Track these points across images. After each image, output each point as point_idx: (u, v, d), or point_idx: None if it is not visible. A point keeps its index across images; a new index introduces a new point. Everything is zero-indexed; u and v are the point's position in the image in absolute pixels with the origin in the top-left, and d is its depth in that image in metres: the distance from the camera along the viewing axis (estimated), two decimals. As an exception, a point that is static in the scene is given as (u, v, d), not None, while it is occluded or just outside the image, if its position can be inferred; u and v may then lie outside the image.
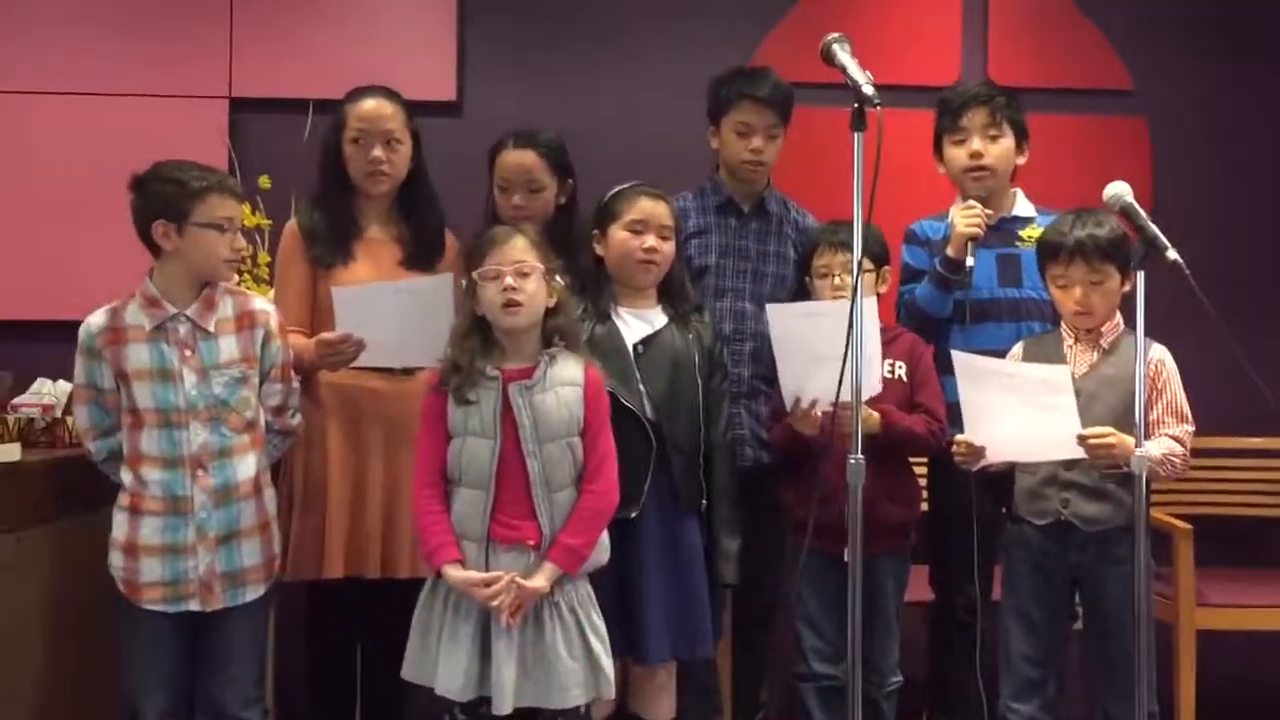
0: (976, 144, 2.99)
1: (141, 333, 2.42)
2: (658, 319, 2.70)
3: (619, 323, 2.65)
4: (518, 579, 2.31)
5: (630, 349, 2.62)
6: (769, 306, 2.73)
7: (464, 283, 2.46)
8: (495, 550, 2.35)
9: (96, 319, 2.45)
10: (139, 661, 2.41)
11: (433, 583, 2.42)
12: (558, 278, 2.46)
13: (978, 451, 2.60)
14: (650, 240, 2.65)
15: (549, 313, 2.44)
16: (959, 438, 2.62)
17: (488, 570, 2.33)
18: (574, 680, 2.34)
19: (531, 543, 2.35)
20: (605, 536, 2.46)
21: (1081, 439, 2.49)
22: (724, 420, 2.75)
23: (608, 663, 2.39)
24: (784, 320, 2.65)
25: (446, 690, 2.33)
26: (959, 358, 2.62)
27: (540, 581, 2.32)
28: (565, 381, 2.41)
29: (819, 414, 2.63)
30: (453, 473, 2.40)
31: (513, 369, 2.40)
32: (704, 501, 2.67)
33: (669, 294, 2.73)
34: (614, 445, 2.46)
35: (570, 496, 2.40)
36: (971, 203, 2.92)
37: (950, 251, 2.89)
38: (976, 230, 2.87)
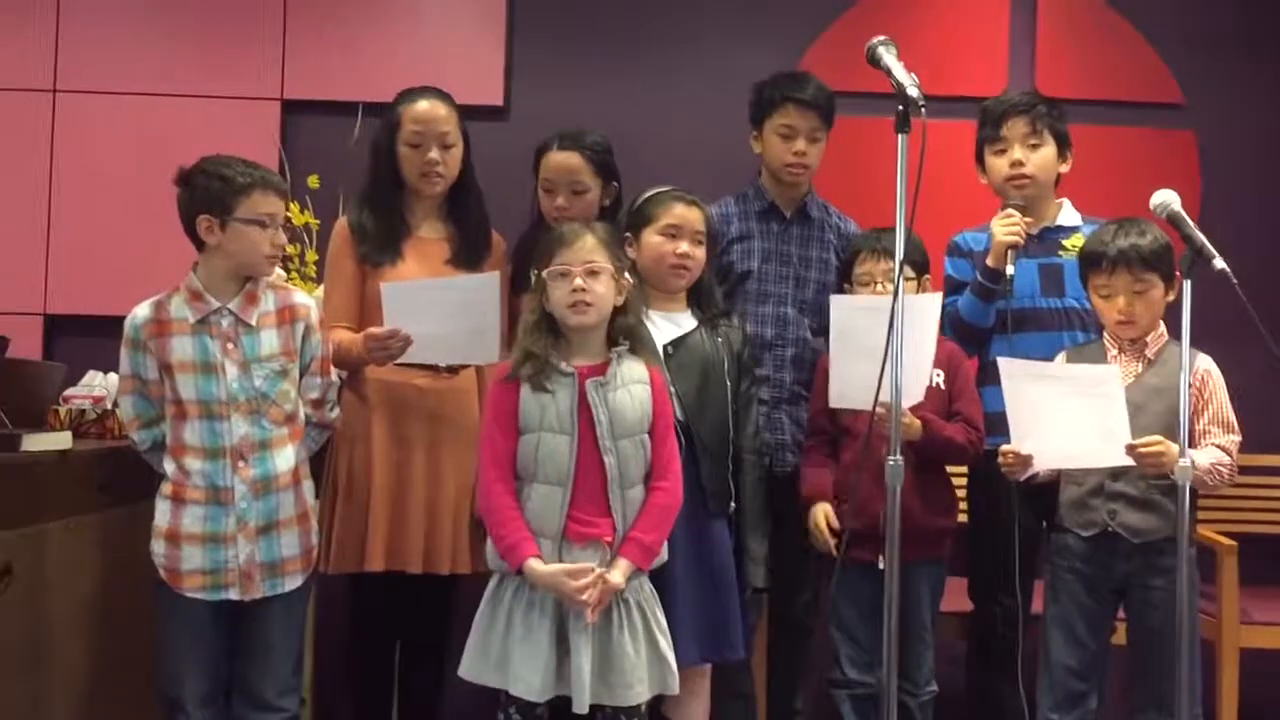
0: (1017, 153, 2.98)
1: (185, 325, 2.46)
2: (687, 322, 2.71)
3: (649, 325, 2.66)
4: (604, 574, 2.31)
5: (660, 350, 2.63)
6: (833, 297, 2.71)
7: (533, 276, 2.46)
8: (570, 548, 2.35)
9: (142, 311, 2.49)
10: (179, 648, 2.44)
11: (499, 581, 2.42)
12: (626, 276, 2.47)
13: (1025, 460, 2.58)
14: (684, 246, 2.67)
15: (616, 311, 2.45)
16: (1005, 447, 2.60)
17: None
18: (638, 677, 2.35)
19: (607, 539, 2.36)
20: None
21: (1131, 448, 2.47)
22: (752, 425, 2.76)
23: (672, 658, 2.40)
24: (846, 313, 2.63)
25: (524, 691, 2.31)
26: (1005, 363, 2.60)
27: (618, 578, 2.33)
28: (635, 380, 2.43)
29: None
30: (525, 469, 2.39)
31: (584, 365, 2.41)
32: (733, 505, 2.68)
33: (698, 299, 2.75)
34: (678, 445, 2.47)
35: (640, 494, 2.42)
36: (1010, 211, 2.91)
37: (990, 261, 2.89)
38: (1016, 239, 2.85)
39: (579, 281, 2.38)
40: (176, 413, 2.46)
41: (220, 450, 2.44)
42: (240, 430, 2.45)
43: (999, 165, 3.01)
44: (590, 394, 2.37)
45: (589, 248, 2.42)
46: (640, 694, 2.35)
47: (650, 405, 2.43)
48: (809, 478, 2.87)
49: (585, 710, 2.30)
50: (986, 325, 2.95)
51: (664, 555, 2.47)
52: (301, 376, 2.58)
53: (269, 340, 2.51)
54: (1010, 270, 2.84)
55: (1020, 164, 2.97)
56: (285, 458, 2.50)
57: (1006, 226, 2.87)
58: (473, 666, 2.39)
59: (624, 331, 2.46)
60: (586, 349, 2.44)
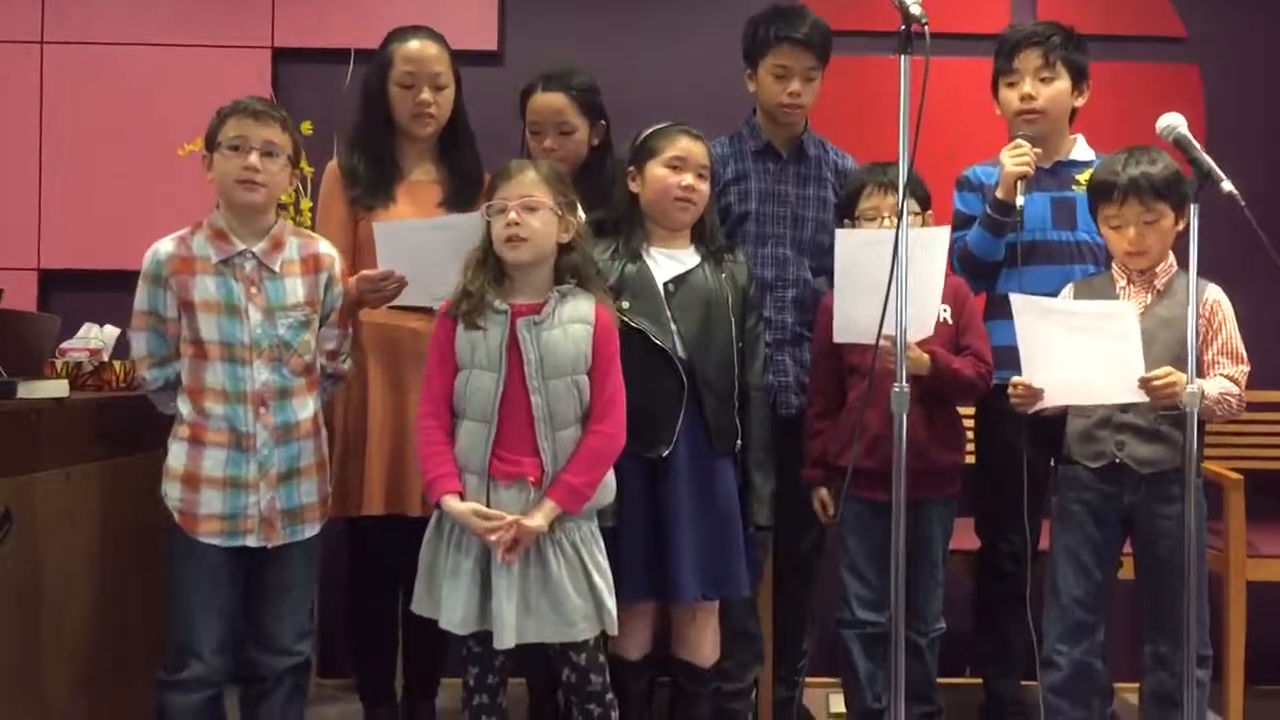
0: (1028, 86, 2.93)
1: (209, 264, 2.43)
2: (690, 259, 2.67)
3: (650, 262, 2.63)
4: (519, 520, 2.30)
5: (661, 288, 2.60)
6: (838, 231, 2.67)
7: (482, 212, 2.45)
8: (495, 485, 2.35)
9: (165, 246, 2.45)
10: (193, 593, 2.41)
11: (438, 517, 2.42)
12: (578, 214, 2.44)
13: (1036, 394, 2.55)
14: (688, 178, 2.63)
15: (563, 249, 2.43)
16: (1015, 380, 2.57)
17: (488, 505, 2.33)
18: (580, 615, 2.35)
19: (531, 479, 2.35)
20: (611, 477, 2.44)
21: (1144, 381, 2.44)
22: (759, 362, 2.73)
23: (610, 600, 2.39)
24: (851, 247, 2.58)
25: (448, 624, 2.35)
26: (1018, 299, 2.56)
27: (539, 520, 2.32)
28: (575, 319, 2.40)
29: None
30: (458, 405, 2.39)
31: (522, 304, 2.39)
32: (739, 444, 2.65)
33: (700, 235, 2.71)
34: (623, 386, 2.44)
35: (574, 435, 2.39)
36: (1019, 141, 2.87)
37: (1000, 193, 2.85)
38: (1026, 169, 2.81)
39: (513, 215, 2.35)
40: (196, 352, 2.42)
41: (243, 394, 2.41)
42: (262, 376, 2.42)
43: (1010, 97, 2.97)
44: (520, 332, 2.36)
45: (528, 182, 2.40)
46: (583, 631, 2.36)
47: (589, 345, 2.40)
48: (807, 450, 2.84)
49: (506, 646, 2.31)
50: (996, 259, 2.92)
51: (608, 496, 2.44)
52: (320, 326, 2.55)
53: (293, 288, 2.47)
54: (1021, 201, 2.80)
55: (1031, 97, 2.93)
56: (305, 407, 2.48)
57: (1016, 157, 2.83)
58: (419, 600, 2.42)
59: (570, 270, 2.43)
60: (529, 287, 2.41)
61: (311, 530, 2.49)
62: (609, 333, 2.43)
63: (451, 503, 2.34)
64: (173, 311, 2.43)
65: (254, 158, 2.41)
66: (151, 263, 2.44)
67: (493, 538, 2.29)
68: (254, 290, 2.44)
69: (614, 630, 2.41)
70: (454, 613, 2.34)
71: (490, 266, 2.41)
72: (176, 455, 2.43)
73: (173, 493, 2.42)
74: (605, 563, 2.42)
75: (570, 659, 2.41)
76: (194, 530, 2.40)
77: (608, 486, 2.44)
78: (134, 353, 2.52)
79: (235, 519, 2.40)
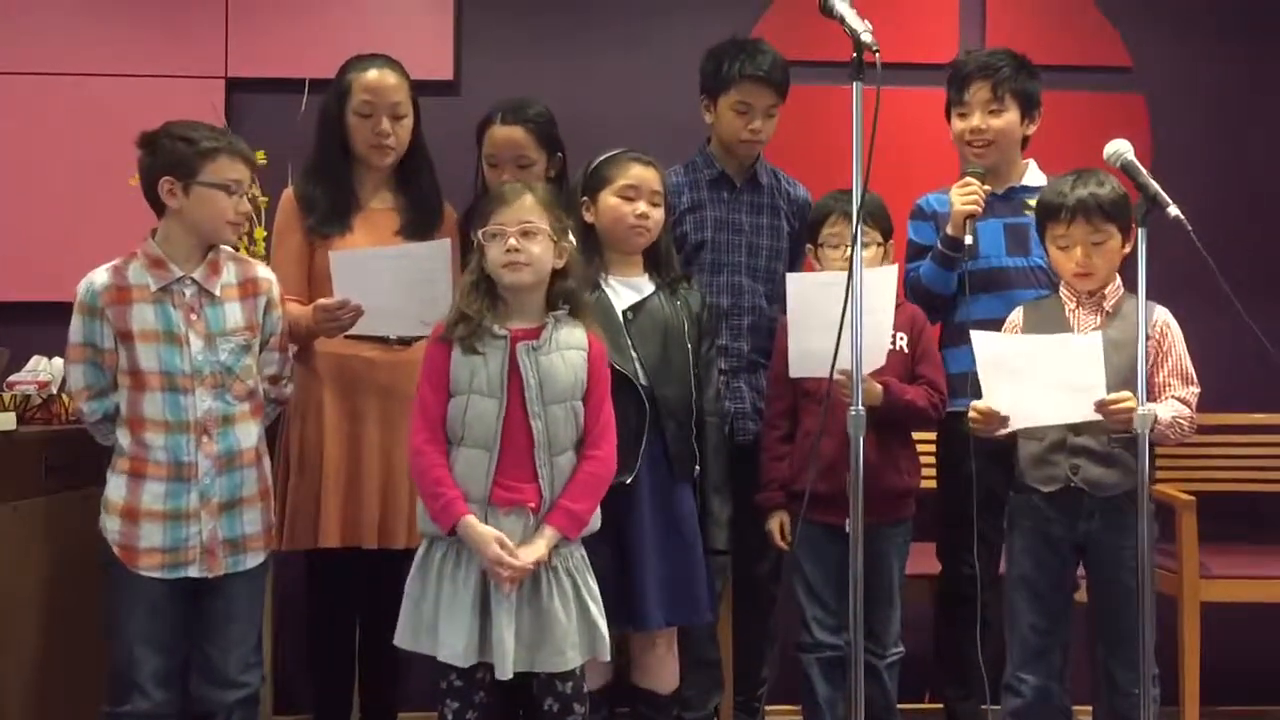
0: (977, 119, 2.98)
1: (146, 293, 2.40)
2: (646, 287, 2.69)
3: (608, 290, 2.64)
4: (525, 556, 2.28)
5: (620, 315, 2.61)
6: (789, 276, 2.70)
7: (475, 237, 2.43)
8: (495, 512, 2.33)
9: (99, 276, 2.42)
10: (132, 627, 2.37)
11: (427, 549, 2.39)
12: (570, 239, 2.44)
13: (995, 418, 2.56)
14: (642, 206, 2.64)
15: (556, 275, 2.42)
16: (975, 404, 2.59)
17: None
18: (570, 643, 2.33)
19: (531, 505, 2.34)
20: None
21: (1102, 404, 2.47)
22: (713, 388, 2.75)
23: (603, 624, 2.38)
24: (802, 289, 2.62)
25: (449, 657, 2.30)
26: (979, 338, 2.58)
27: (542, 549, 2.31)
28: (571, 345, 2.40)
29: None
30: (454, 432, 2.37)
31: (518, 329, 2.38)
32: (697, 469, 2.66)
33: (655, 263, 2.72)
34: (614, 413, 2.44)
35: (570, 460, 2.39)
36: (969, 180, 2.90)
37: (950, 230, 2.89)
38: (975, 208, 2.86)
39: (513, 241, 2.35)
40: (134, 383, 2.39)
41: (184, 424, 2.38)
42: (204, 404, 2.40)
43: (960, 128, 3.02)
44: (521, 357, 2.35)
45: (526, 207, 2.39)
46: (572, 659, 2.34)
47: (585, 372, 2.40)
48: (767, 472, 2.84)
49: (507, 676, 2.28)
50: (949, 292, 2.95)
51: (595, 524, 2.44)
52: (261, 351, 2.53)
53: (233, 313, 2.46)
54: (969, 240, 2.84)
55: (981, 130, 2.97)
56: (248, 434, 2.45)
57: (965, 195, 2.87)
58: (406, 634, 2.37)
59: (563, 295, 2.43)
60: (524, 312, 2.41)
61: (254, 560, 2.46)
62: (602, 359, 2.44)
63: (475, 525, 2.30)
64: (109, 342, 2.40)
65: (246, 203, 2.45)
66: (86, 294, 2.41)
67: (504, 572, 2.26)
68: (194, 316, 2.41)
69: (606, 655, 2.39)
70: (455, 645, 2.29)
71: (485, 290, 2.40)
72: (115, 488, 2.40)
73: (112, 526, 2.39)
74: (596, 588, 2.40)
75: (556, 688, 2.38)
76: (134, 564, 2.37)
77: (595, 513, 2.44)
78: (71, 385, 2.49)
79: (177, 550, 2.37)
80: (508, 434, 2.33)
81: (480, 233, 2.39)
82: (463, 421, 2.35)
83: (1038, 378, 2.50)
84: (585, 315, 2.46)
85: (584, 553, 2.41)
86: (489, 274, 2.40)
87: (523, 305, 2.41)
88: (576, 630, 2.34)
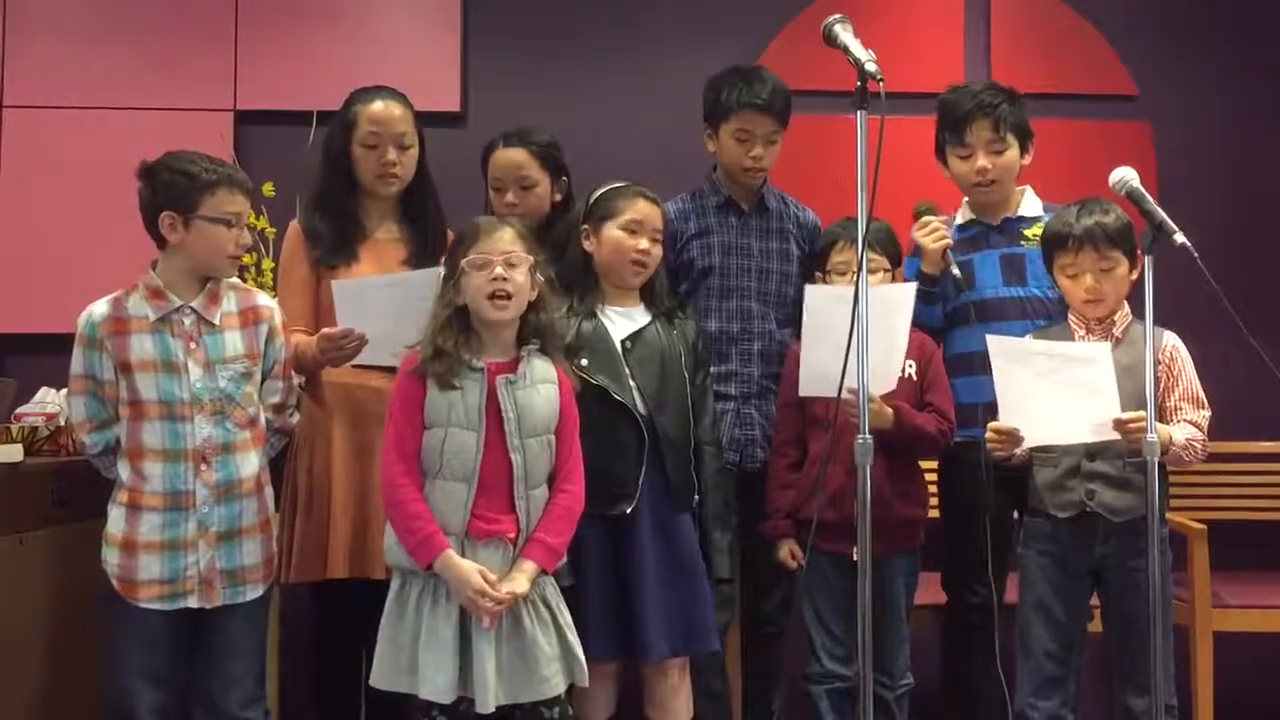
0: (982, 160, 2.95)
1: (145, 323, 2.41)
2: (642, 317, 2.69)
3: (606, 320, 2.64)
4: (512, 590, 2.28)
5: (618, 345, 2.61)
6: (808, 287, 2.69)
7: (442, 271, 2.43)
8: (473, 544, 2.32)
9: (98, 308, 2.43)
10: (132, 660, 2.36)
11: (400, 586, 2.36)
12: (539, 274, 2.44)
13: (1013, 437, 2.55)
14: (644, 243, 2.65)
15: (529, 308, 2.42)
16: (993, 424, 2.58)
17: None
18: (553, 670, 2.33)
19: (511, 536, 2.33)
20: None
21: (1119, 424, 2.46)
22: (709, 417, 2.74)
23: (579, 650, 2.37)
24: (819, 302, 2.60)
25: (431, 693, 2.28)
26: (994, 340, 2.58)
27: (523, 584, 2.30)
28: (545, 379, 2.41)
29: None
30: (431, 464, 2.34)
31: (494, 362, 2.38)
32: (696, 498, 2.65)
33: (650, 294, 2.73)
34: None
35: (544, 494, 2.39)
36: (926, 219, 2.88)
37: (926, 268, 2.88)
38: (945, 241, 2.85)
39: (499, 270, 2.35)
40: (134, 414, 2.39)
41: (182, 453, 2.38)
42: (204, 432, 2.39)
43: (963, 169, 2.99)
44: (500, 391, 2.34)
45: (508, 239, 2.40)
46: (556, 685, 2.33)
47: (558, 405, 2.40)
48: (774, 501, 2.83)
49: (489, 710, 2.26)
50: (934, 324, 2.95)
51: (564, 556, 2.43)
52: (263, 380, 2.53)
53: (233, 341, 2.46)
54: (956, 271, 2.83)
55: (985, 170, 2.95)
56: (249, 462, 2.45)
57: (930, 234, 2.85)
58: (383, 674, 2.33)
59: (535, 330, 2.43)
60: (497, 345, 2.41)
61: (254, 592, 2.45)
62: (570, 394, 2.45)
63: (455, 560, 2.28)
64: (109, 374, 2.41)
65: (246, 235, 2.46)
66: (86, 325, 2.42)
67: (485, 604, 2.25)
68: (193, 345, 2.42)
69: (584, 681, 2.38)
70: (437, 680, 2.27)
71: (456, 324, 2.39)
72: (115, 521, 2.40)
73: (111, 559, 2.39)
74: (569, 617, 2.40)
75: (543, 716, 2.37)
76: (134, 596, 2.36)
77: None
78: (73, 417, 2.49)
79: (175, 582, 2.37)
80: (486, 467, 2.32)
81: (465, 262, 2.38)
82: (440, 454, 2.33)
83: (1049, 390, 2.49)
84: (555, 350, 2.46)
85: (554, 582, 2.40)
86: (462, 306, 2.39)
87: (497, 339, 2.41)
88: (558, 656, 2.34)
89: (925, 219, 2.89)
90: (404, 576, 2.36)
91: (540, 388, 2.39)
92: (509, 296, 2.36)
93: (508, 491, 2.34)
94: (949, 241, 2.86)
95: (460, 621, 2.30)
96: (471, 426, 2.33)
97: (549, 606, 2.36)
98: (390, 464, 2.35)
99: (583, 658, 2.37)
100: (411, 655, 2.31)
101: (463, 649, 2.29)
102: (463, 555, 2.30)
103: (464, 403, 2.34)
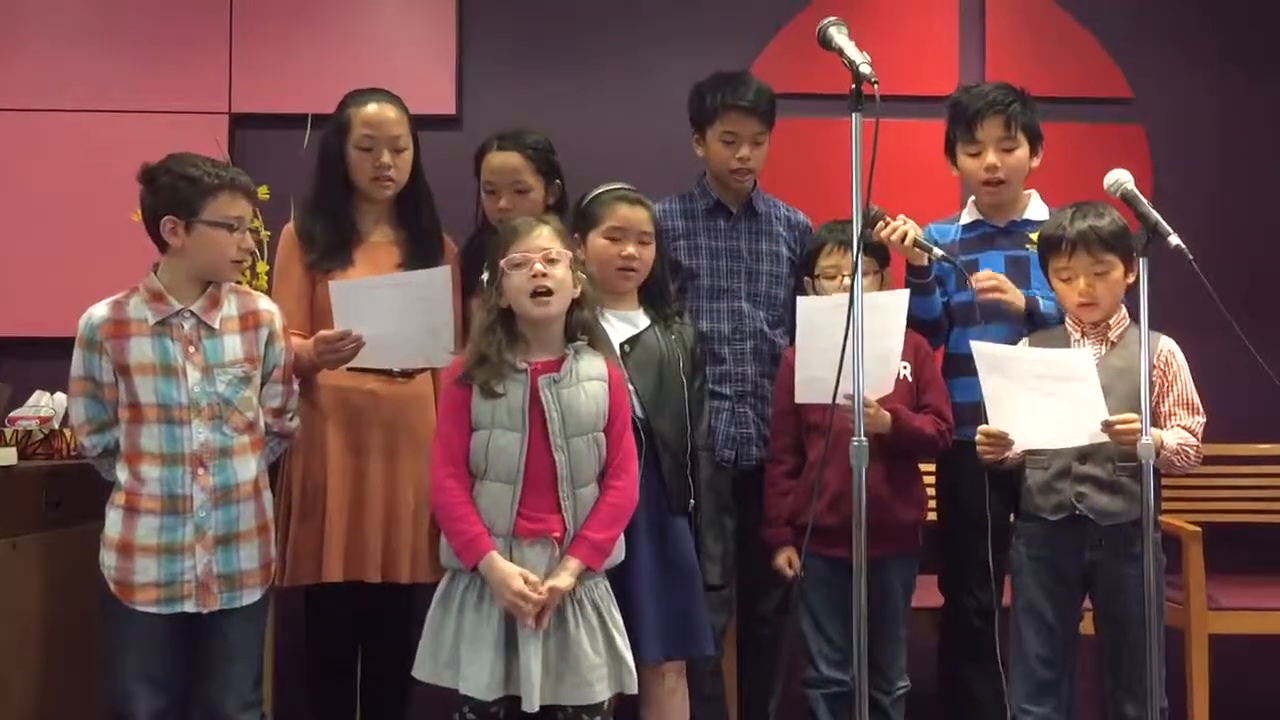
0: (991, 157, 2.94)
1: (145, 326, 2.40)
2: (641, 320, 2.69)
3: (604, 324, 2.62)
4: (553, 585, 2.28)
5: (618, 349, 2.60)
6: (800, 299, 2.69)
7: (484, 275, 2.43)
8: (519, 544, 2.33)
9: (99, 311, 2.43)
10: (130, 663, 2.36)
11: (449, 581, 2.38)
12: (584, 269, 2.44)
13: (1003, 440, 2.56)
14: (629, 248, 2.64)
15: (573, 305, 2.42)
16: (983, 428, 2.58)
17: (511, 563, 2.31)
18: (598, 675, 2.32)
19: (556, 535, 2.33)
20: (622, 535, 2.44)
21: (1107, 425, 2.46)
22: (704, 422, 2.76)
23: (629, 656, 2.37)
24: (812, 313, 2.61)
25: (471, 690, 2.29)
26: (978, 347, 2.58)
27: (567, 580, 2.31)
28: (591, 376, 2.40)
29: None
30: (477, 466, 2.36)
31: (539, 362, 2.38)
32: (692, 502, 2.65)
33: (650, 297, 2.72)
34: (635, 443, 2.45)
35: (593, 492, 2.39)
36: (880, 224, 2.81)
37: (912, 261, 2.86)
38: (907, 229, 2.77)
39: (539, 267, 2.35)
40: (132, 416, 2.38)
41: (179, 456, 2.37)
42: (201, 436, 2.39)
43: (973, 167, 2.97)
44: (543, 391, 2.34)
45: (545, 236, 2.40)
46: (600, 692, 2.32)
47: (606, 403, 2.40)
48: (772, 508, 2.83)
49: (534, 709, 2.26)
50: (933, 315, 2.93)
51: (620, 554, 2.43)
52: (263, 384, 2.52)
53: (232, 345, 2.45)
54: (938, 250, 2.79)
55: (995, 168, 2.94)
56: (247, 467, 2.44)
57: (891, 234, 2.78)
58: (425, 666, 2.36)
59: (581, 326, 2.42)
60: (544, 344, 2.40)
61: (251, 597, 2.44)
62: (622, 390, 2.45)
63: (498, 562, 2.29)
64: (109, 376, 2.40)
65: (249, 239, 2.45)
66: (86, 328, 2.41)
67: (525, 606, 2.25)
68: (192, 349, 2.41)
69: (634, 689, 2.38)
70: (479, 679, 2.27)
71: (500, 328, 2.39)
72: (113, 524, 2.39)
73: (109, 561, 2.38)
74: (621, 620, 2.39)
75: None
76: (131, 599, 2.36)
77: (620, 544, 2.43)
78: (72, 419, 2.49)
79: (172, 585, 2.36)
80: (530, 466, 2.33)
81: (503, 262, 2.38)
82: (486, 455, 2.34)
83: (1037, 395, 2.49)
84: (603, 345, 2.46)
85: (608, 585, 2.40)
86: (506, 309, 2.39)
87: (542, 338, 2.40)
88: (605, 663, 2.33)
89: (881, 219, 2.82)
90: (453, 573, 2.38)
91: (586, 385, 2.38)
92: (551, 292, 2.36)
93: (554, 491, 2.34)
94: (915, 231, 2.80)
95: (506, 621, 2.31)
96: (514, 427, 2.33)
97: (598, 610, 2.36)
98: (437, 467, 2.37)
99: (632, 666, 2.36)
100: (453, 650, 2.32)
101: (508, 649, 2.30)
102: (510, 555, 2.31)
103: (507, 403, 2.34)
